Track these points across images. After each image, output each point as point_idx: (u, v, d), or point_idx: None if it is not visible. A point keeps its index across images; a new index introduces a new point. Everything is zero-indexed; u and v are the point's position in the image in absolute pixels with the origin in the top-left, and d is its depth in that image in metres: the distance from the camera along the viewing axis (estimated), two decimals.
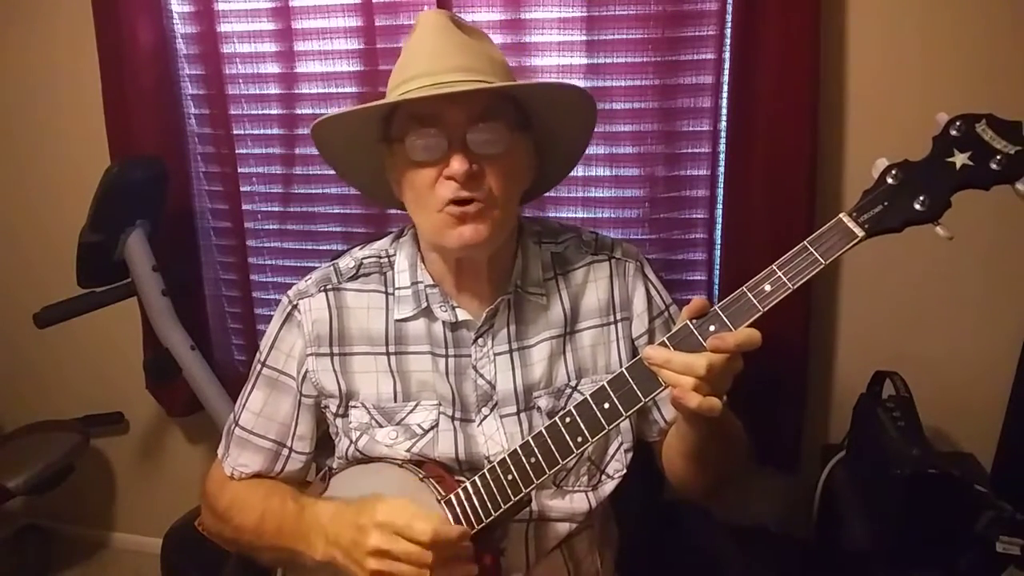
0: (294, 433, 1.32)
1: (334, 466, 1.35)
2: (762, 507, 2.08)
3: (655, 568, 1.52)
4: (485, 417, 1.26)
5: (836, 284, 1.96)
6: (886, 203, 0.96)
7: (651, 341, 1.31)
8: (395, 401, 1.27)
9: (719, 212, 1.96)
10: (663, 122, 1.94)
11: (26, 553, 2.78)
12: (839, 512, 1.75)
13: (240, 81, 2.22)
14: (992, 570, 1.49)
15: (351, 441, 1.28)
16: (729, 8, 1.83)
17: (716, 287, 2.02)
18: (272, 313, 1.35)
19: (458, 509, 1.15)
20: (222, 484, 1.34)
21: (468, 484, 1.16)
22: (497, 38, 1.86)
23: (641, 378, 1.04)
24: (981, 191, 0.95)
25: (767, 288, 0.99)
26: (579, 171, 1.93)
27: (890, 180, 0.97)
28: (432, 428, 1.25)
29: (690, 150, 1.96)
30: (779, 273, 0.99)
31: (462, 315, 1.26)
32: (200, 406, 2.31)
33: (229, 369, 2.41)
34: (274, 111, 2.22)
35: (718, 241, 1.98)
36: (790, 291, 0.98)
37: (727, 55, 1.86)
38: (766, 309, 0.99)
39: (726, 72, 1.87)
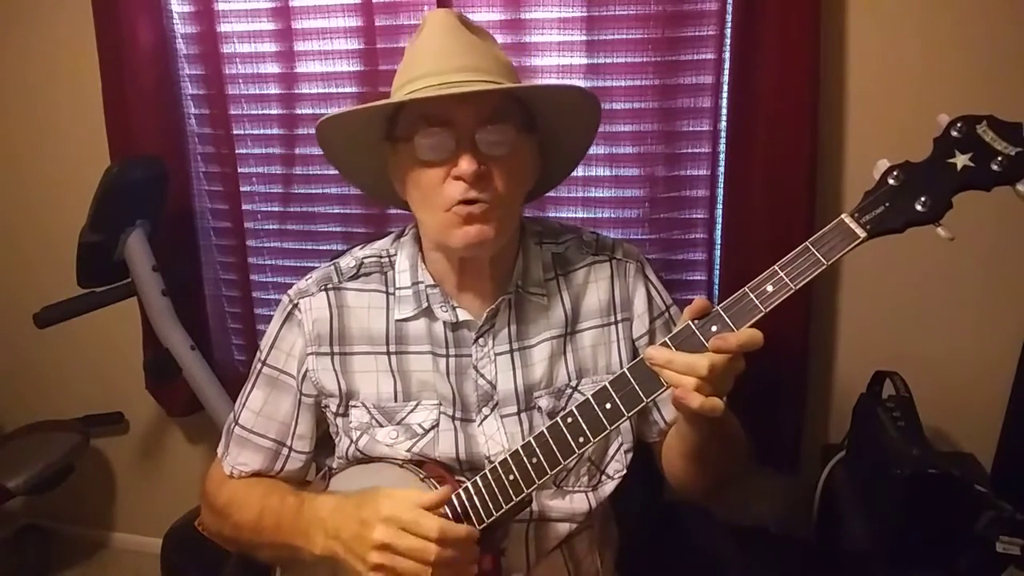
0: (294, 432, 1.32)
1: (334, 466, 1.35)
2: (762, 507, 2.08)
3: (655, 568, 1.52)
4: (486, 417, 1.26)
5: (836, 284, 1.96)
6: (888, 204, 0.96)
7: (652, 342, 1.32)
8: (395, 401, 1.27)
9: (719, 212, 1.96)
10: (663, 122, 1.94)
11: (26, 553, 2.78)
12: (839, 512, 1.75)
13: (240, 81, 2.22)
14: (992, 570, 1.49)
15: (351, 441, 1.28)
16: (729, 8, 1.83)
17: (716, 287, 2.02)
18: (272, 313, 1.35)
19: (459, 509, 1.15)
20: (221, 482, 1.34)
21: (469, 484, 1.16)
22: (497, 38, 1.84)
23: (643, 378, 1.04)
24: (981, 192, 0.95)
25: (769, 288, 0.99)
26: (579, 171, 1.92)
27: (891, 181, 0.97)
28: (433, 428, 1.25)
29: (690, 150, 1.96)
30: (781, 274, 0.98)
31: (463, 315, 1.26)
32: (200, 406, 2.31)
33: (229, 369, 2.41)
34: (274, 111, 2.21)
35: (718, 241, 1.98)
36: (792, 292, 0.98)
37: (727, 55, 1.86)
38: (768, 310, 0.99)
39: (726, 72, 1.87)
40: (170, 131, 2.27)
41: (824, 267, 0.97)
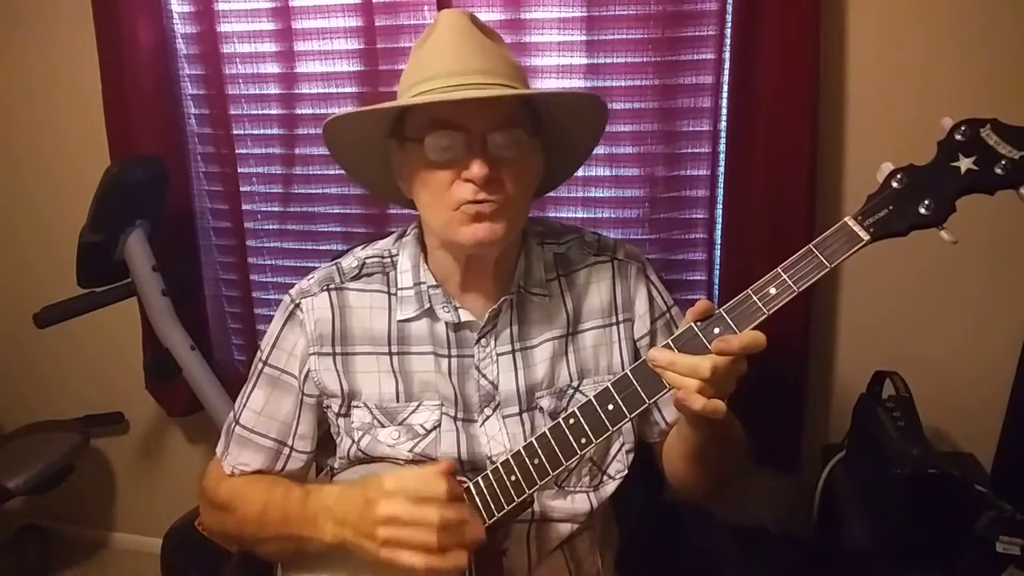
0: (295, 432, 1.31)
1: (335, 466, 1.35)
2: (762, 507, 2.08)
3: (655, 568, 1.52)
4: (488, 417, 1.26)
5: (836, 284, 1.97)
6: (891, 207, 0.96)
7: (653, 342, 1.32)
8: (397, 401, 1.27)
9: (719, 212, 1.96)
10: (663, 122, 1.94)
11: (26, 553, 2.78)
12: (839, 512, 1.75)
13: (240, 81, 2.22)
14: (992, 570, 1.49)
15: (353, 441, 1.28)
16: (729, 8, 1.83)
17: (716, 287, 2.02)
18: (272, 313, 1.35)
19: None
20: (219, 480, 1.33)
21: (471, 485, 1.16)
22: None
23: (645, 380, 1.05)
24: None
25: (772, 291, 0.99)
26: (579, 171, 1.90)
27: (895, 184, 0.97)
28: (435, 428, 1.25)
29: (690, 150, 1.96)
30: (784, 276, 0.99)
31: (465, 316, 1.26)
32: (200, 406, 2.31)
33: (229, 369, 2.41)
34: (274, 111, 2.22)
35: (718, 241, 1.98)
36: (795, 294, 0.98)
37: (727, 55, 1.86)
38: (771, 312, 0.99)
39: (726, 72, 1.87)
40: (170, 131, 2.27)
41: (827, 270, 0.98)
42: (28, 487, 2.39)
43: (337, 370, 1.27)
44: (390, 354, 1.27)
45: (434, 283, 1.27)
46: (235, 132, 2.24)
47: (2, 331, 2.76)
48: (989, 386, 1.89)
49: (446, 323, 1.27)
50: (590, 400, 1.08)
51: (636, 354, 1.32)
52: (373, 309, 1.29)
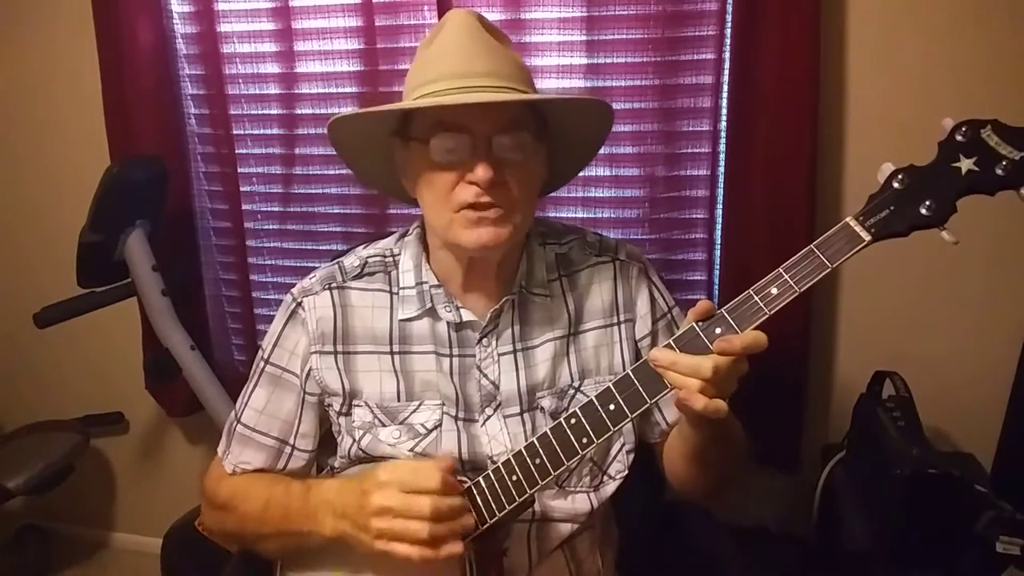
0: (297, 431, 1.31)
1: (336, 465, 1.35)
2: (762, 507, 2.08)
3: (655, 568, 1.52)
4: (489, 417, 1.27)
5: (836, 284, 1.97)
6: (892, 208, 0.97)
7: (654, 343, 1.32)
8: (398, 400, 1.27)
9: (719, 212, 1.96)
10: (663, 122, 1.95)
11: (26, 553, 2.78)
12: (839, 512, 1.75)
13: (240, 81, 2.22)
14: (992, 570, 1.49)
15: (354, 440, 1.28)
16: (729, 8, 1.83)
17: (716, 287, 2.02)
18: (272, 313, 1.35)
19: None
20: (220, 479, 1.33)
21: (472, 485, 1.16)
22: None
23: (647, 380, 1.05)
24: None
25: (774, 291, 0.99)
26: None
27: (896, 184, 0.97)
28: (436, 428, 1.25)
29: (690, 150, 1.96)
30: (786, 276, 0.99)
31: (466, 315, 1.26)
32: (200, 406, 2.31)
33: (229, 369, 2.41)
34: (274, 111, 2.22)
35: (718, 241, 1.98)
36: (796, 294, 0.98)
37: (727, 55, 1.86)
38: (772, 312, 0.99)
39: (726, 72, 1.87)
40: (170, 131, 2.27)
41: (829, 270, 0.98)
42: (28, 487, 2.39)
43: (338, 369, 1.27)
44: (391, 353, 1.27)
45: (436, 283, 1.27)
46: (235, 132, 2.24)
47: (2, 331, 2.76)
48: (989, 386, 1.89)
49: (448, 323, 1.27)
50: (592, 400, 1.08)
51: (637, 354, 1.32)
52: (375, 308, 1.29)
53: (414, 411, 1.27)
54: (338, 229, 2.26)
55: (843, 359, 2.03)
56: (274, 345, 1.31)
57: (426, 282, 1.27)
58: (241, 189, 2.28)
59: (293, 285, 1.33)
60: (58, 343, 2.58)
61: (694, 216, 2.01)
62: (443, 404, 1.26)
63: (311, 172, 2.23)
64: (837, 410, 2.05)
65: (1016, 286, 1.85)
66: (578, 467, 1.28)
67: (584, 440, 1.08)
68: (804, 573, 1.90)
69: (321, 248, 2.28)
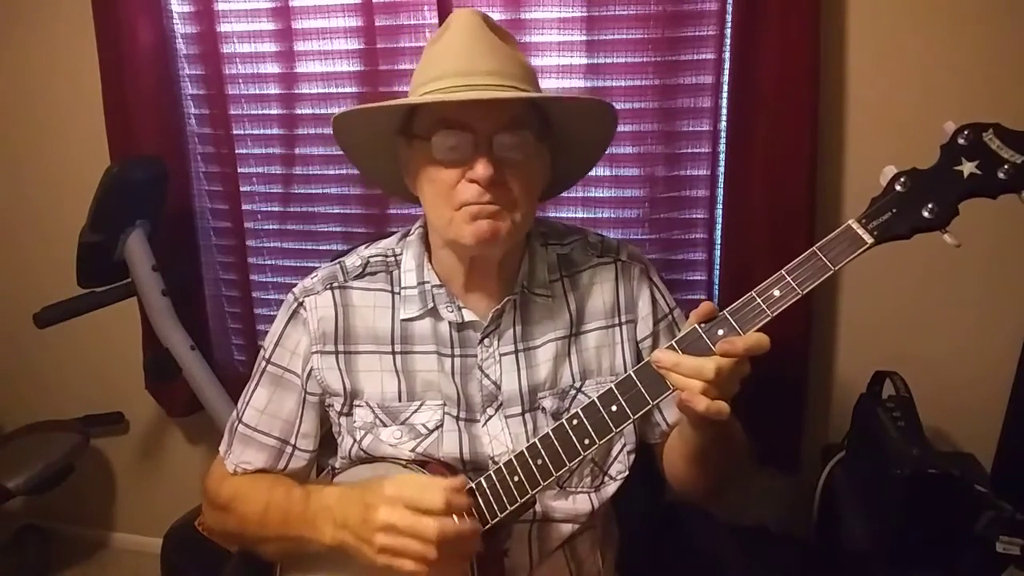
0: (298, 431, 1.31)
1: (337, 465, 1.35)
2: (762, 507, 2.08)
3: (656, 568, 1.52)
4: (490, 417, 1.27)
5: (836, 284, 1.98)
6: (895, 210, 0.97)
7: (655, 344, 1.32)
8: (399, 400, 1.27)
9: (719, 212, 1.96)
10: (663, 122, 1.95)
11: (26, 553, 2.77)
12: (839, 512, 1.75)
13: (240, 81, 2.22)
14: (992, 570, 1.49)
15: (355, 440, 1.28)
16: (729, 8, 1.83)
17: (716, 287, 2.02)
18: (272, 313, 1.35)
19: None
20: (222, 479, 1.34)
21: (474, 485, 1.16)
22: None
23: (649, 381, 1.05)
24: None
25: (776, 293, 1.00)
26: None
27: (898, 187, 0.97)
28: (437, 428, 1.25)
29: (690, 150, 1.96)
30: (788, 279, 0.99)
31: (468, 316, 1.26)
32: (200, 406, 2.31)
33: (229, 369, 2.41)
34: (274, 111, 2.22)
35: (718, 241, 1.98)
36: (799, 296, 0.99)
37: (727, 55, 1.86)
38: (775, 314, 0.99)
39: (726, 72, 1.87)
40: (170, 131, 2.27)
41: (831, 272, 0.98)
42: (28, 487, 2.39)
43: (340, 369, 1.27)
44: (393, 353, 1.27)
45: (438, 283, 1.27)
46: (235, 132, 2.24)
47: (2, 331, 2.75)
48: (989, 386, 1.89)
49: (449, 323, 1.27)
50: (593, 401, 1.09)
51: (639, 355, 1.33)
52: (376, 308, 1.29)
53: (415, 411, 1.26)
54: (338, 229, 2.26)
55: (843, 359, 2.03)
56: (275, 345, 1.31)
57: (428, 282, 1.28)
58: (241, 189, 2.28)
59: (293, 285, 1.33)
60: (58, 343, 2.58)
61: (694, 216, 2.01)
62: (444, 404, 1.26)
63: (311, 172, 2.23)
64: (837, 410, 2.05)
65: (1016, 287, 1.85)
66: (579, 468, 1.28)
67: (586, 441, 1.09)
68: (804, 573, 1.90)
69: (321, 248, 2.28)
